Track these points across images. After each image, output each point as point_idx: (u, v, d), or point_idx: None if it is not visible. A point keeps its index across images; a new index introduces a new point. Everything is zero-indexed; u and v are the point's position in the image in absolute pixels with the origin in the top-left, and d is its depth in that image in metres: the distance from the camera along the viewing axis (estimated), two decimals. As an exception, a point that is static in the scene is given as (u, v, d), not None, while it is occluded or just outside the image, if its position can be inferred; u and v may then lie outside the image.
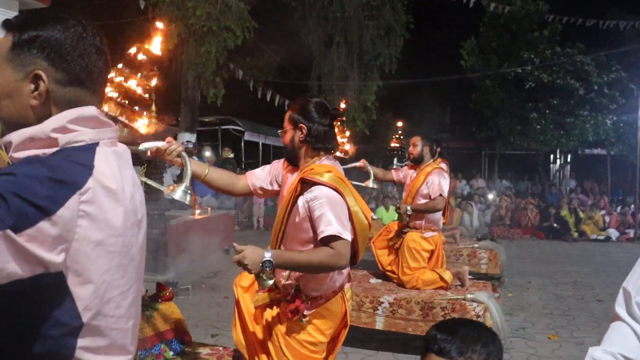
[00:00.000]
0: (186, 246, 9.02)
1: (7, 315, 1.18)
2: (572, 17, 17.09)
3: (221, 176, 3.06)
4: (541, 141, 19.47)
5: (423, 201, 5.52)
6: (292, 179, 2.86)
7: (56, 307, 1.18)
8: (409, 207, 5.52)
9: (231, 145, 17.21)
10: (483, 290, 5.43)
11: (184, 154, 2.67)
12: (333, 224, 2.59)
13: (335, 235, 2.58)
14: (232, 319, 3.13)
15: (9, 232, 1.03)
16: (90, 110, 1.32)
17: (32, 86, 1.28)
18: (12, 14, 8.77)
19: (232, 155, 15.49)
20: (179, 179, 11.92)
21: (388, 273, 5.82)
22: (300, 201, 2.72)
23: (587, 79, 18.55)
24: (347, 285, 2.92)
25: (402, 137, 7.57)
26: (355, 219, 2.71)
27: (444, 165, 5.69)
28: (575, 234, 14.47)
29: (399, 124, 8.07)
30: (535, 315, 6.73)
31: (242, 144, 20.34)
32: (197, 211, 10.54)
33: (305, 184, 2.72)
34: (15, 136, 1.27)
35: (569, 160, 23.03)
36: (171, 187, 2.63)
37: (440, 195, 5.42)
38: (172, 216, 9.37)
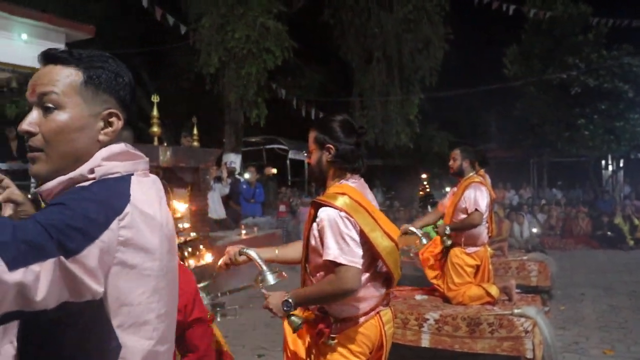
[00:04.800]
0: (233, 266, 9.05)
1: (44, 340, 1.21)
2: (617, 19, 16.71)
3: (291, 250, 3.09)
4: (590, 147, 18.99)
5: (462, 216, 5.41)
6: None
7: (93, 329, 1.21)
8: (447, 228, 5.42)
9: (273, 165, 17.33)
10: (532, 304, 5.29)
11: (244, 250, 2.78)
12: (331, 248, 2.54)
13: (332, 261, 2.54)
14: (278, 339, 3.13)
15: (62, 258, 1.06)
16: (119, 146, 1.39)
17: (102, 123, 1.36)
18: (60, 46, 9.07)
19: (274, 172, 15.57)
20: (227, 198, 12.08)
21: (434, 285, 5.74)
22: (313, 225, 2.69)
23: (636, 81, 18.04)
24: (384, 308, 2.85)
25: (427, 186, 7.61)
26: (376, 242, 2.64)
27: (479, 178, 5.58)
28: (631, 242, 14.00)
29: (423, 175, 8.17)
30: (589, 329, 6.52)
31: (288, 163, 20.50)
32: (243, 231, 10.61)
33: (317, 207, 2.69)
34: (53, 184, 1.32)
35: (621, 165, 22.38)
36: (257, 279, 2.71)
37: (477, 210, 5.28)
38: (218, 237, 9.47)
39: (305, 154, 2.90)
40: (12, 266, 1.00)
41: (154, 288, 1.30)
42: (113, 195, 1.23)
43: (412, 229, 5.38)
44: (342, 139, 2.74)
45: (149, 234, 1.28)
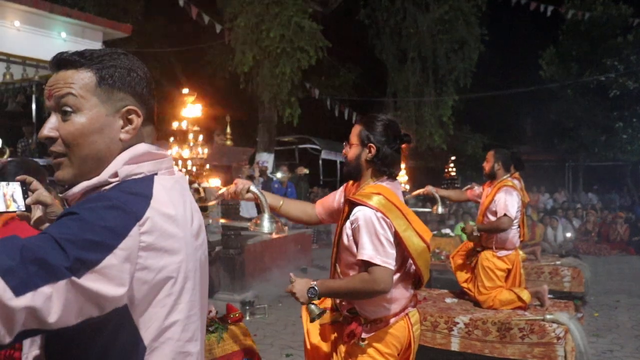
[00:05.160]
0: (263, 265, 9.11)
1: (70, 346, 1.21)
2: (659, 20, 16.34)
3: (296, 207, 3.09)
4: (628, 151, 18.65)
5: (492, 218, 5.36)
6: None
7: (119, 335, 1.20)
8: (476, 227, 5.37)
9: (305, 164, 17.35)
10: (564, 310, 5.20)
11: (252, 188, 2.74)
12: (366, 248, 2.52)
13: (366, 261, 2.52)
14: (307, 339, 3.12)
15: (73, 278, 1.04)
16: (141, 147, 1.36)
17: (122, 121, 1.34)
18: (97, 44, 9.23)
19: (306, 171, 15.61)
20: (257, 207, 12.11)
21: (465, 289, 5.68)
22: (347, 223, 2.67)
23: (678, 84, 17.66)
24: (411, 309, 2.83)
25: (454, 168, 7.59)
26: (408, 243, 2.61)
27: (516, 182, 5.50)
28: (670, 249, 13.69)
29: (452, 157, 8.25)
30: (624, 337, 6.39)
31: (320, 163, 20.51)
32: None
33: (351, 206, 2.67)
34: (78, 189, 1.31)
35: (660, 170, 21.91)
36: (254, 221, 2.69)
37: (505, 215, 5.20)
38: (249, 236, 9.51)
39: (345, 145, 2.84)
40: (19, 291, 0.98)
41: (180, 289, 1.28)
42: (132, 199, 1.21)
43: (434, 192, 5.41)
44: (385, 142, 2.70)
45: (172, 236, 1.25)
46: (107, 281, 1.09)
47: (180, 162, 2.92)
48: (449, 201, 5.70)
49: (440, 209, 5.41)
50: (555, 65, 20.45)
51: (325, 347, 2.91)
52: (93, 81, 1.31)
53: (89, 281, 1.06)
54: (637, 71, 17.89)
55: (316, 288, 2.61)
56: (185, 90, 2.92)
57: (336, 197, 3.03)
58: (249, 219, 10.88)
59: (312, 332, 3.01)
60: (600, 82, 18.64)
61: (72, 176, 1.33)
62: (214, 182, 2.95)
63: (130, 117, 1.35)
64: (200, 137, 3.01)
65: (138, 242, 1.16)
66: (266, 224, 2.63)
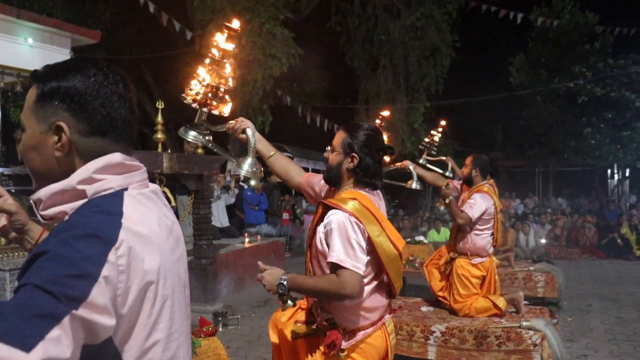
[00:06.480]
0: (236, 275, 9.00)
1: None
2: (623, 27, 16.62)
3: (284, 165, 3.12)
4: (597, 156, 18.95)
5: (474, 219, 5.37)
6: None
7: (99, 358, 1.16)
8: (450, 200, 5.35)
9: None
10: (540, 316, 5.21)
11: (248, 130, 2.82)
12: (336, 251, 2.51)
13: (336, 263, 2.51)
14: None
15: (73, 312, 1.01)
16: (115, 157, 1.31)
17: (56, 137, 1.29)
18: (65, 50, 9.04)
19: (279, 180, 15.54)
20: (233, 206, 11.99)
21: (440, 298, 5.66)
22: (320, 226, 2.66)
23: (643, 90, 17.99)
24: (387, 318, 2.80)
25: (437, 135, 7.55)
26: (380, 249, 2.60)
27: (488, 187, 5.53)
28: (638, 252, 13.88)
29: (442, 122, 8.16)
30: (597, 341, 6.42)
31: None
32: (247, 239, 10.54)
33: (326, 208, 2.65)
34: (45, 192, 1.27)
35: (627, 175, 22.29)
36: (237, 161, 2.78)
37: (466, 212, 5.26)
38: (221, 245, 9.41)
39: (328, 149, 2.85)
40: (28, 346, 0.94)
41: (160, 308, 1.25)
42: (102, 221, 1.17)
43: (411, 168, 5.60)
44: (368, 153, 2.69)
45: (147, 255, 1.21)
46: (101, 311, 1.07)
47: (203, 85, 2.93)
48: (426, 177, 5.79)
49: (414, 185, 5.51)
50: (525, 72, 20.70)
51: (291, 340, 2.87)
52: (33, 98, 1.30)
53: (85, 314, 1.03)
54: (604, 78, 18.21)
55: (285, 284, 2.62)
56: (235, 24, 2.82)
57: (321, 182, 3.05)
58: (221, 229, 10.79)
59: (283, 346, 2.97)
60: (569, 88, 18.93)
61: (34, 186, 1.34)
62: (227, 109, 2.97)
63: (60, 133, 1.28)
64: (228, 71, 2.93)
65: (117, 266, 1.13)
66: (245, 167, 2.74)
